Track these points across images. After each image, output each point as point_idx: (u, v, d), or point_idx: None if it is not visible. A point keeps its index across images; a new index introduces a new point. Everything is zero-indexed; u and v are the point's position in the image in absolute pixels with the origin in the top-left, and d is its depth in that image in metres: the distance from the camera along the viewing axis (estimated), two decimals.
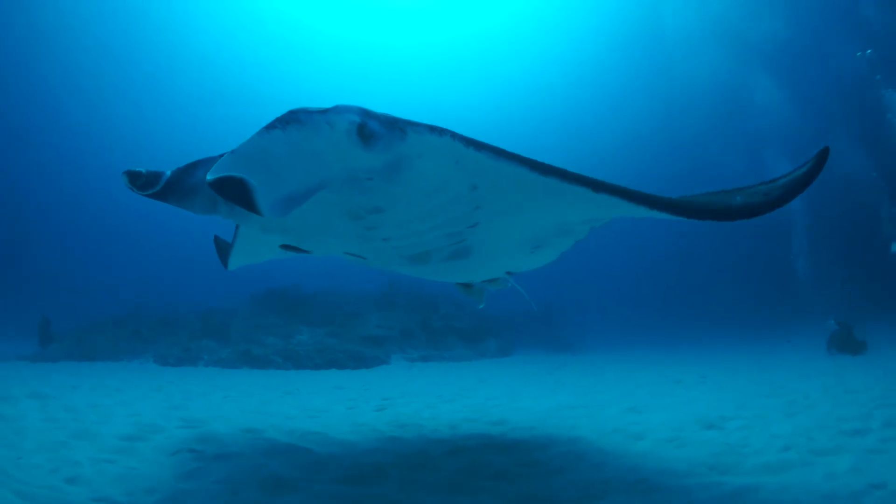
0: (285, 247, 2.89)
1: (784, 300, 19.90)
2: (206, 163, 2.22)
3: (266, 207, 1.90)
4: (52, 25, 32.99)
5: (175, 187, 2.10)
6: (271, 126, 1.89)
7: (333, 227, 2.42)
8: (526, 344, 17.07)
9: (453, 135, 2.10)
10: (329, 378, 8.79)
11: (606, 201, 2.18)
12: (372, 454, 3.67)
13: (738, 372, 8.74)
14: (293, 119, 1.89)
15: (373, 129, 1.99)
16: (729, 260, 30.98)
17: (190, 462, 3.38)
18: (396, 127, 2.07)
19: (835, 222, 22.79)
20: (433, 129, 2.08)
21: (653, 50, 31.69)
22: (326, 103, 2.06)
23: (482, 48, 35.45)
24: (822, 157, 2.28)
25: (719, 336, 18.17)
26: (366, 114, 2.03)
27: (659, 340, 18.14)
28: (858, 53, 21.71)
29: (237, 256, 3.91)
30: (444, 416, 5.28)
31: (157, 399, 6.06)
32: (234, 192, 1.85)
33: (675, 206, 2.08)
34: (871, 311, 14.36)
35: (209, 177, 1.88)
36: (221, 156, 1.92)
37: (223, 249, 3.82)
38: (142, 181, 1.89)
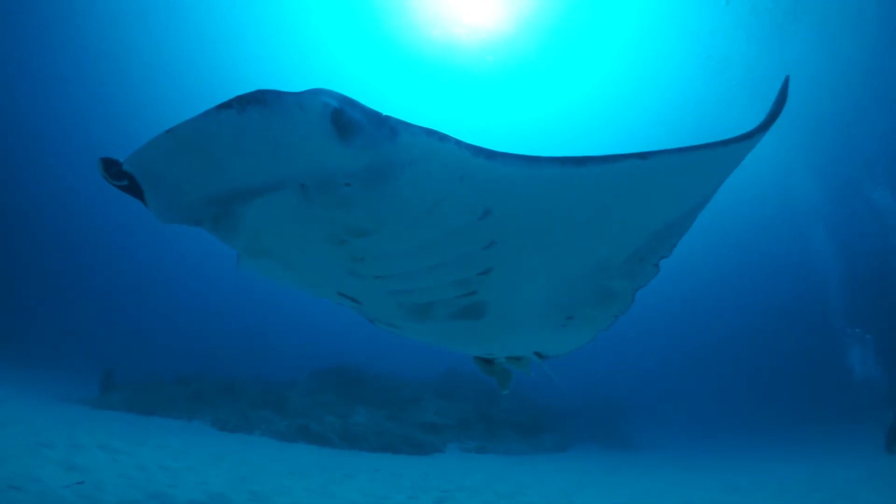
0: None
1: (842, 393, 18.94)
2: None
3: (172, 204, 1.65)
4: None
5: None
6: (226, 105, 1.57)
7: (317, 253, 2.03)
8: (581, 439, 16.65)
9: (458, 142, 1.78)
10: (385, 463, 8.71)
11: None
12: None
13: (795, 477, 8.58)
14: (256, 99, 1.57)
15: (352, 118, 1.66)
16: (780, 354, 30.53)
17: None
18: (385, 124, 1.73)
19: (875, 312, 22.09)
20: (432, 133, 1.75)
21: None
22: None
23: None
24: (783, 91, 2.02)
25: (776, 432, 17.80)
26: (346, 101, 1.69)
27: (715, 438, 17.74)
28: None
29: None
30: None
31: (222, 468, 6.17)
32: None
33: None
34: None
35: (125, 164, 1.61)
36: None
37: None
38: (116, 169, 1.60)
